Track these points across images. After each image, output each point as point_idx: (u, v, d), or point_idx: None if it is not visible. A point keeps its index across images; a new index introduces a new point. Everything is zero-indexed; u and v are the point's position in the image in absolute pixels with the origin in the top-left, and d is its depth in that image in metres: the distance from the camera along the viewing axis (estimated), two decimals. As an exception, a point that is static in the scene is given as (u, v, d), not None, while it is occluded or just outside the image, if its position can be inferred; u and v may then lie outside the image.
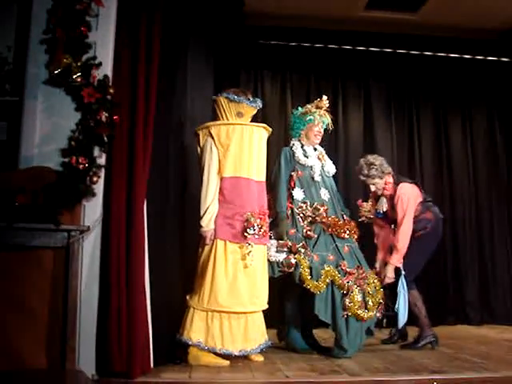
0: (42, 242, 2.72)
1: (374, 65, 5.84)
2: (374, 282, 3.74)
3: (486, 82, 6.04)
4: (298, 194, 3.87)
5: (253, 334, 3.44)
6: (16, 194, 2.68)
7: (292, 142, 4.06)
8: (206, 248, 3.47)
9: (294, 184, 3.89)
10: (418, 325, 4.00)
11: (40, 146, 2.89)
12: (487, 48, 5.79)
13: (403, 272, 3.92)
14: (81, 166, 2.81)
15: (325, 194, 3.92)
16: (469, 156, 6.01)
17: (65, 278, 2.75)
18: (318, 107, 4.06)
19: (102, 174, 2.92)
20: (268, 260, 3.63)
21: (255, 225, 3.43)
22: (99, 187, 2.90)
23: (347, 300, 3.57)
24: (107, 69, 2.99)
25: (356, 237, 3.93)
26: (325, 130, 4.12)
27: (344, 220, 3.91)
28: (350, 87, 5.92)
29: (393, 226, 4.19)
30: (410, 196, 3.98)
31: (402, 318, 3.88)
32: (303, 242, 3.71)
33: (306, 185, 3.90)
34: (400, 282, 3.90)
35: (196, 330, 3.35)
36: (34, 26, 2.97)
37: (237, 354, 3.36)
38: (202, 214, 3.45)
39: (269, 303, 3.60)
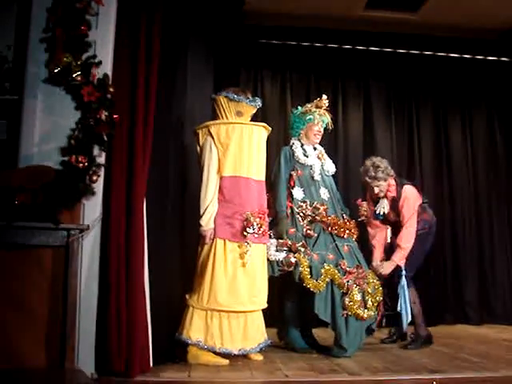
0: (42, 240, 2.73)
1: (373, 64, 5.83)
2: (373, 282, 3.74)
3: (485, 81, 6.04)
4: (297, 193, 3.87)
5: (252, 333, 3.44)
6: (16, 193, 2.68)
7: (292, 142, 4.06)
8: (206, 247, 3.47)
9: (294, 183, 3.89)
10: (414, 323, 4.02)
11: (40, 144, 2.90)
12: (487, 48, 5.78)
13: (404, 272, 3.94)
14: (80, 165, 2.81)
15: (324, 194, 3.93)
16: (468, 156, 6.00)
17: (64, 276, 2.75)
18: (317, 106, 4.06)
19: (102, 173, 2.92)
20: (268, 259, 3.63)
21: (254, 224, 3.43)
22: (99, 186, 2.90)
23: (347, 299, 3.57)
24: (107, 68, 2.99)
25: (355, 236, 3.94)
26: (324, 129, 4.13)
27: (344, 219, 3.92)
28: (350, 87, 5.91)
29: (388, 226, 4.23)
30: (414, 198, 4.07)
31: (406, 317, 3.90)
32: (303, 241, 3.71)
33: (306, 184, 3.91)
34: (402, 281, 3.92)
35: (195, 329, 3.34)
36: (34, 24, 2.97)
37: (236, 353, 3.36)
38: (201, 213, 3.46)
39: (268, 302, 3.60)
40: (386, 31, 5.60)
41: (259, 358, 3.48)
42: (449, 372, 3.11)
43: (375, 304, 3.67)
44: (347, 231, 3.84)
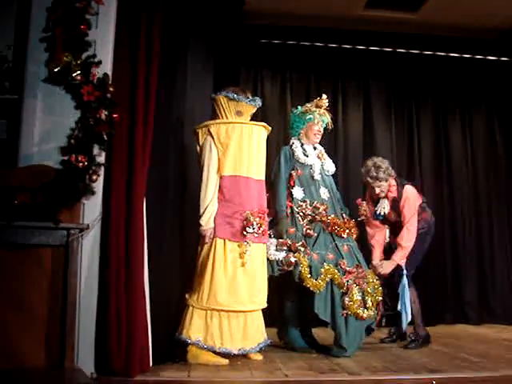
0: (42, 240, 2.73)
1: (373, 64, 5.83)
2: (373, 281, 3.74)
3: (485, 81, 6.04)
4: (297, 192, 3.87)
5: (252, 333, 3.44)
6: (15, 193, 2.69)
7: (292, 141, 4.06)
8: (206, 247, 3.47)
9: (294, 183, 3.89)
10: (413, 323, 4.03)
11: (39, 144, 2.90)
12: (487, 48, 5.79)
13: (405, 272, 3.95)
14: (80, 165, 2.80)
15: (324, 193, 3.93)
16: (468, 155, 6.00)
17: (64, 276, 2.75)
18: (317, 106, 4.06)
19: (102, 172, 2.92)
20: (268, 259, 3.63)
21: (254, 223, 3.43)
22: (99, 186, 2.90)
23: (347, 299, 3.57)
24: (107, 67, 2.99)
25: (355, 236, 3.94)
26: (324, 129, 4.13)
27: (343, 219, 3.92)
28: (350, 87, 5.91)
29: (387, 226, 4.24)
30: (414, 198, 4.10)
31: (406, 317, 3.91)
32: (303, 241, 3.71)
33: (306, 183, 3.91)
34: (403, 281, 3.93)
35: (195, 329, 3.34)
36: (34, 24, 2.97)
37: (236, 352, 3.36)
38: (201, 212, 3.46)
39: (268, 302, 3.60)
40: (385, 31, 5.59)
41: (259, 357, 3.48)
42: (448, 372, 3.11)
43: (375, 304, 3.67)
44: (347, 231, 3.84)
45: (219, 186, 3.50)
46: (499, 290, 5.72)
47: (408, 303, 3.91)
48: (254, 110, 3.72)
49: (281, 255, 3.65)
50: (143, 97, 3.02)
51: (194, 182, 3.78)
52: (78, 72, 2.89)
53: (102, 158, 2.92)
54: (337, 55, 5.75)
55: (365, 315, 3.58)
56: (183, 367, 3.19)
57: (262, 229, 3.48)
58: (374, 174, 4.04)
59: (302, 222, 3.80)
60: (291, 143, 4.05)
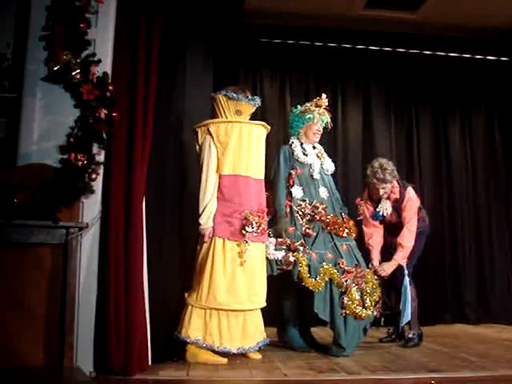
0: (41, 238, 2.73)
1: (373, 64, 5.83)
2: (371, 281, 3.74)
3: (485, 81, 6.04)
4: (296, 191, 3.87)
5: (251, 332, 3.44)
6: (15, 191, 2.68)
7: (291, 140, 4.06)
8: (205, 246, 3.47)
9: (293, 182, 3.89)
10: (410, 320, 4.03)
11: (38, 142, 2.89)
12: (487, 47, 5.79)
13: (406, 271, 3.96)
14: (79, 163, 2.80)
15: (324, 193, 3.93)
16: (468, 155, 6.00)
17: (63, 275, 2.75)
18: (317, 105, 4.06)
19: (101, 171, 2.92)
20: (267, 258, 3.63)
21: (253, 223, 3.43)
22: (98, 184, 2.90)
23: (345, 298, 3.57)
24: (106, 66, 2.99)
25: (354, 235, 3.94)
26: (324, 128, 4.13)
27: (343, 218, 3.92)
28: (349, 86, 5.91)
29: (383, 226, 4.24)
30: (416, 199, 4.15)
31: (405, 317, 3.91)
32: (302, 240, 3.71)
33: (305, 183, 3.91)
34: (405, 281, 3.95)
35: (194, 328, 3.34)
36: (33, 22, 2.97)
37: (235, 351, 3.36)
38: (200, 211, 3.45)
39: (267, 301, 3.60)
40: (385, 31, 5.60)
41: (258, 356, 3.48)
42: (448, 371, 3.10)
43: (373, 303, 3.67)
44: (346, 230, 3.84)
45: (218, 185, 3.50)
46: (499, 289, 5.73)
47: (409, 303, 3.91)
48: (254, 110, 3.72)
49: (280, 254, 3.65)
50: (142, 96, 3.02)
51: (194, 181, 3.78)
52: (78, 71, 2.89)
53: (101, 157, 2.92)
54: (336, 55, 5.75)
55: (363, 315, 3.58)
56: (182, 366, 3.19)
57: (261, 228, 3.48)
58: (381, 175, 4.03)
59: (301, 222, 3.79)
60: (290, 142, 4.05)
